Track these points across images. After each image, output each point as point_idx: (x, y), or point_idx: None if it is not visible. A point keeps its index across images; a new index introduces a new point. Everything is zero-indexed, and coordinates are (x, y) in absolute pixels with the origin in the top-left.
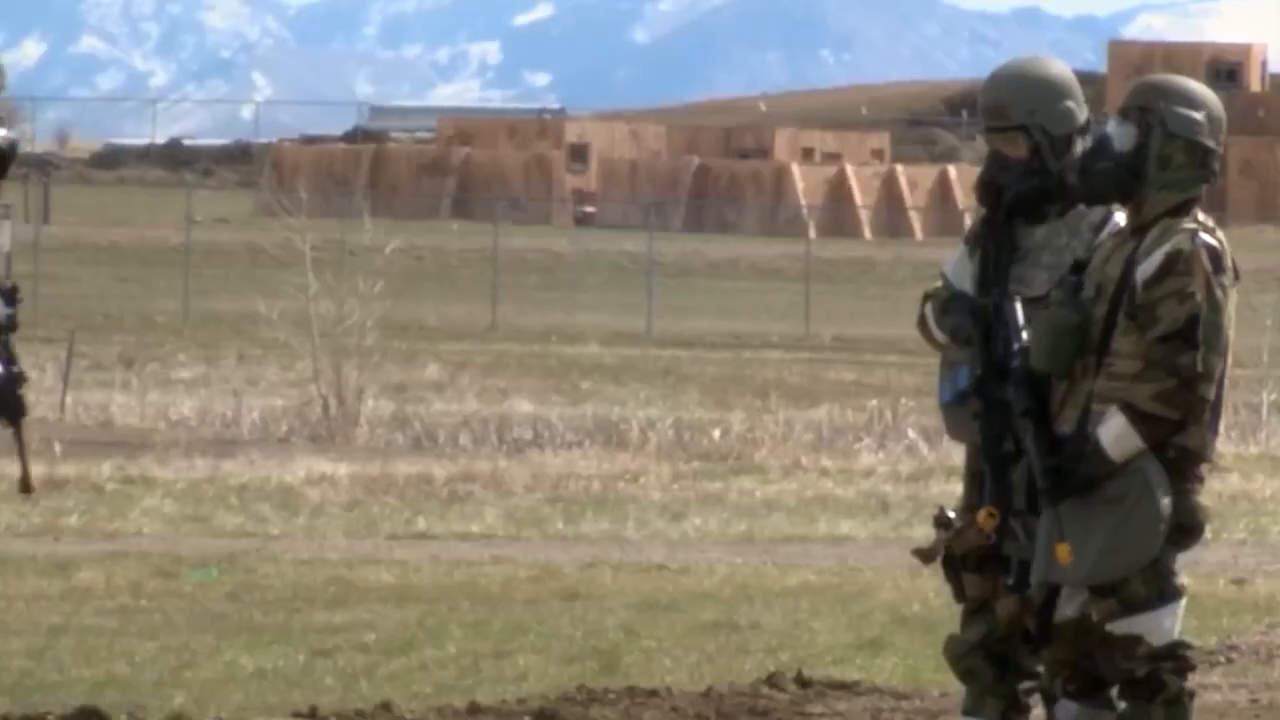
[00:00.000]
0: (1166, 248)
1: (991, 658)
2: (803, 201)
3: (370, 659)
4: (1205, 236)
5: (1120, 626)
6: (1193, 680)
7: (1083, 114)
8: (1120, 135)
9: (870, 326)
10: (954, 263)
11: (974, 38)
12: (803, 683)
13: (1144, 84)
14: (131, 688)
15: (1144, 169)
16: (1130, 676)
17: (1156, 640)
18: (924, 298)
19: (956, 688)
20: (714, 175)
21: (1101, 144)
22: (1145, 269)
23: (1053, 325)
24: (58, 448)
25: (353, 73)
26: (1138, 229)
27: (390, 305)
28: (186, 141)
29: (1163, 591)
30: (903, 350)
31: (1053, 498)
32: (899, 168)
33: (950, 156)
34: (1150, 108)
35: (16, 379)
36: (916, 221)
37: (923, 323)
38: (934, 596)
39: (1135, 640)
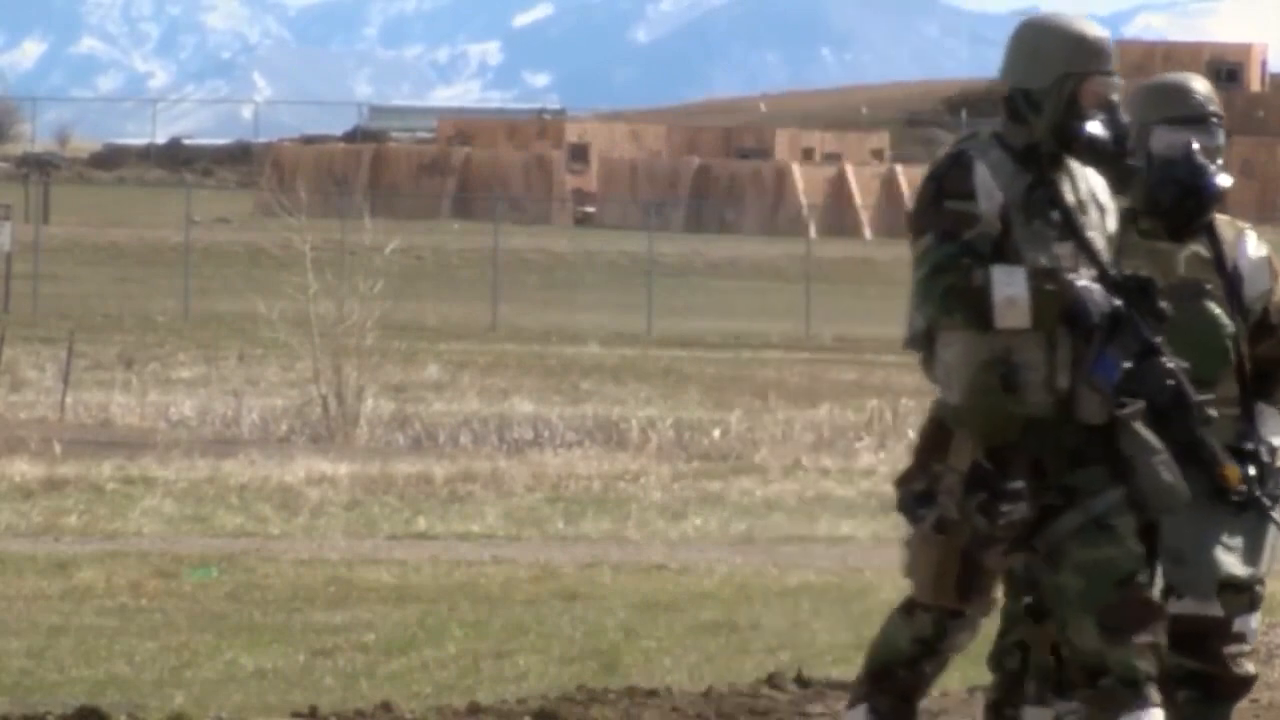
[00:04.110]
0: (1263, 251)
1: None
2: (803, 201)
3: (370, 659)
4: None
5: (1236, 624)
6: None
7: None
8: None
9: (870, 326)
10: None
11: (974, 38)
12: (803, 683)
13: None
14: (131, 688)
15: None
16: (1227, 674)
17: (1250, 641)
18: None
19: (956, 687)
20: (714, 175)
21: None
22: (1253, 273)
23: (1205, 323)
24: (58, 448)
25: (353, 73)
26: (1196, 231)
27: (390, 305)
28: (186, 141)
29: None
30: (903, 350)
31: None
32: (899, 168)
33: None
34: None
35: None
36: None
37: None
38: None
39: (1241, 638)
